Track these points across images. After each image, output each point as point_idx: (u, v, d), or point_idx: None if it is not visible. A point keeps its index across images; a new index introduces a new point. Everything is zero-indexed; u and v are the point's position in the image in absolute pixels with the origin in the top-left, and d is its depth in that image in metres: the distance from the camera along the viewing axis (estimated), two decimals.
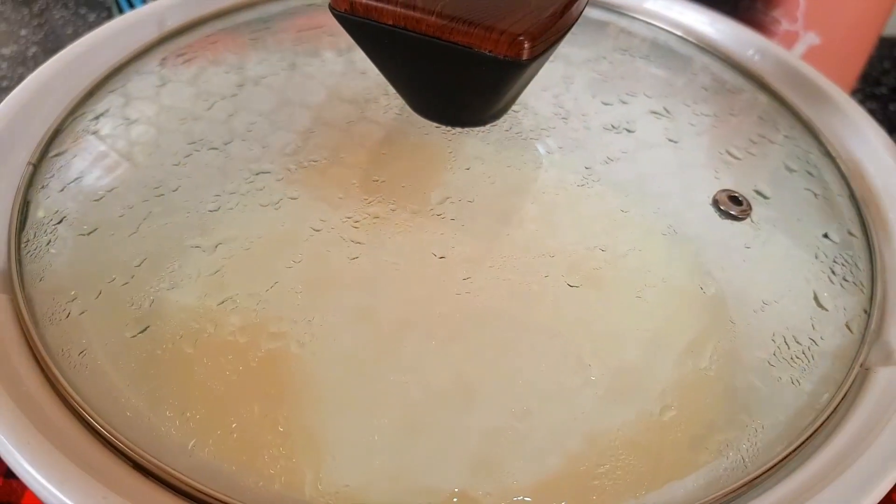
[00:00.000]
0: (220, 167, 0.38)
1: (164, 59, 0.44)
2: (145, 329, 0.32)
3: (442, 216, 0.35)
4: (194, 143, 0.39)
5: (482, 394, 0.30)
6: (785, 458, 0.29)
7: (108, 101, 0.41)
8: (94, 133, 0.40)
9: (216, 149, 0.39)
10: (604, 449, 0.29)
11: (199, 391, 0.30)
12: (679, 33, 0.49)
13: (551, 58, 0.35)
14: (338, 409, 0.30)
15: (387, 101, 0.41)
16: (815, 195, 0.41)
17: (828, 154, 0.43)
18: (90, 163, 0.39)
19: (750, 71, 0.48)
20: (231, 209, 0.36)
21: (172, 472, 0.27)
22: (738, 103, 0.46)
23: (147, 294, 0.33)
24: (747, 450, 0.30)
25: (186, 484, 0.27)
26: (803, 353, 0.33)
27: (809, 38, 0.63)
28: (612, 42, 0.50)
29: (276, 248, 0.34)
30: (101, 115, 0.40)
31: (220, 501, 0.27)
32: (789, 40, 0.62)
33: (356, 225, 0.34)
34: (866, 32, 0.62)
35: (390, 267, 0.33)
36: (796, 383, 0.32)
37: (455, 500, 0.27)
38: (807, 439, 0.30)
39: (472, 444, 0.29)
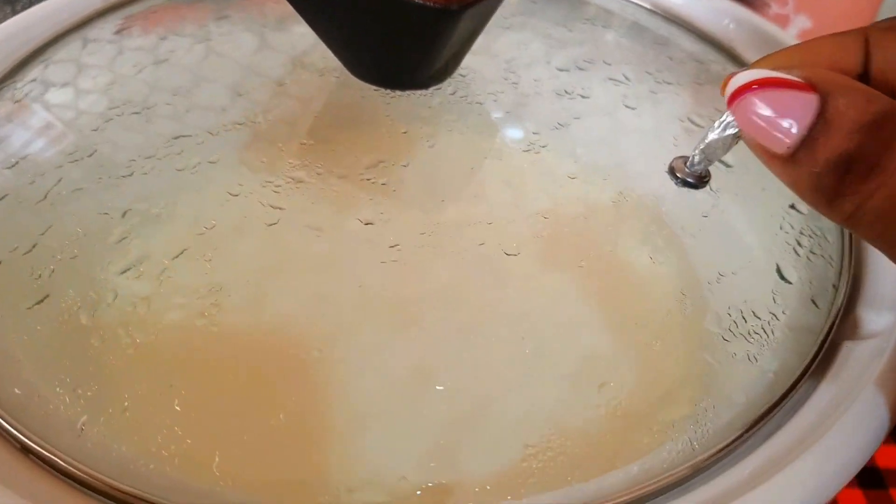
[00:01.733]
0: (140, 131, 0.35)
1: (90, 27, 0.41)
2: (43, 299, 0.29)
3: (371, 180, 0.32)
4: (116, 107, 0.37)
5: (401, 372, 0.28)
6: (737, 440, 0.26)
7: (33, 72, 0.38)
8: (16, 101, 0.37)
9: (137, 113, 0.36)
10: (534, 430, 0.26)
11: (93, 366, 0.27)
12: (648, 6, 0.46)
13: (506, 24, 0.32)
14: (244, 389, 0.27)
15: (323, 62, 0.38)
16: None
17: None
18: (6, 130, 0.36)
19: (722, 42, 0.45)
20: (145, 174, 0.33)
21: (58, 454, 0.24)
22: (705, 73, 0.43)
23: (48, 263, 0.30)
24: (695, 432, 0.27)
25: (74, 467, 0.24)
26: (762, 329, 0.30)
27: (800, 22, 0.61)
28: (575, 12, 0.48)
29: (187, 214, 0.31)
30: (25, 83, 0.38)
31: (109, 486, 0.24)
32: (780, 23, 0.60)
33: (277, 189, 0.32)
34: (858, 17, 0.60)
35: (310, 234, 0.30)
36: (753, 360, 0.29)
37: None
38: (762, 420, 0.27)
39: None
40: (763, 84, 0.19)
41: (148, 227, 0.31)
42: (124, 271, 0.30)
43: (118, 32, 0.41)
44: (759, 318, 0.31)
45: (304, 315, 0.28)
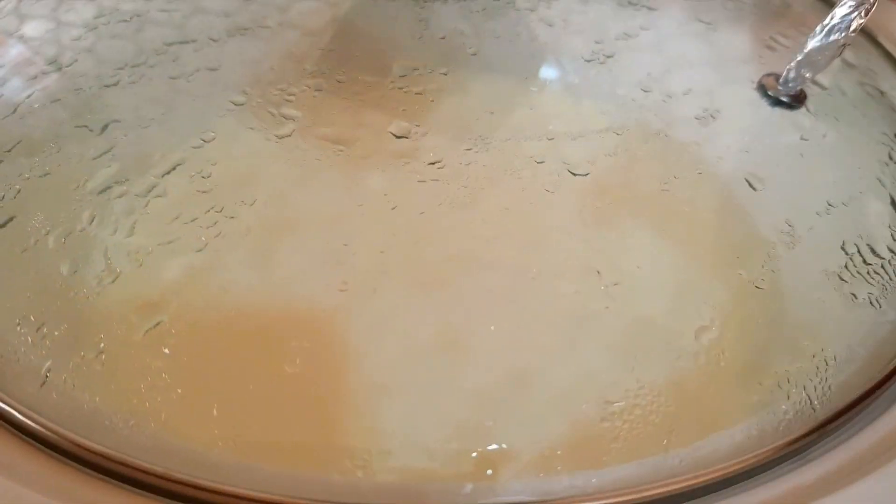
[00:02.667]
0: (129, 38, 0.30)
1: None
2: (6, 222, 0.24)
3: (405, 89, 0.27)
4: (102, 16, 0.31)
5: (455, 310, 0.22)
6: (863, 398, 0.21)
7: None
8: None
9: (126, 21, 0.30)
10: (623, 386, 0.21)
11: (61, 301, 0.22)
12: None
13: None
14: (247, 333, 0.22)
15: None
16: (881, 92, 0.32)
17: (888, 56, 0.34)
18: None
19: None
20: (133, 83, 0.27)
21: (17, 406, 0.19)
22: None
23: (13, 182, 0.25)
24: (815, 388, 0.21)
25: (36, 422, 0.18)
26: (883, 268, 0.25)
27: None
28: None
29: (180, 125, 0.25)
30: None
31: (78, 446, 0.18)
32: None
33: (290, 97, 0.26)
34: None
35: (330, 148, 0.25)
36: (876, 304, 0.23)
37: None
38: (892, 376, 0.21)
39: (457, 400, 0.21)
40: None
41: (134, 140, 0.25)
42: (104, 189, 0.24)
43: None
44: (879, 257, 0.25)
45: (322, 245, 0.23)
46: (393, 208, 0.24)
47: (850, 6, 0.27)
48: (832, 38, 0.27)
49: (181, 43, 0.29)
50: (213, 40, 0.29)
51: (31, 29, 0.31)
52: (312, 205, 0.23)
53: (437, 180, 0.24)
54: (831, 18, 0.27)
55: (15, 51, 0.30)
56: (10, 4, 0.32)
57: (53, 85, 0.28)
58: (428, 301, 0.22)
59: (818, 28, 0.28)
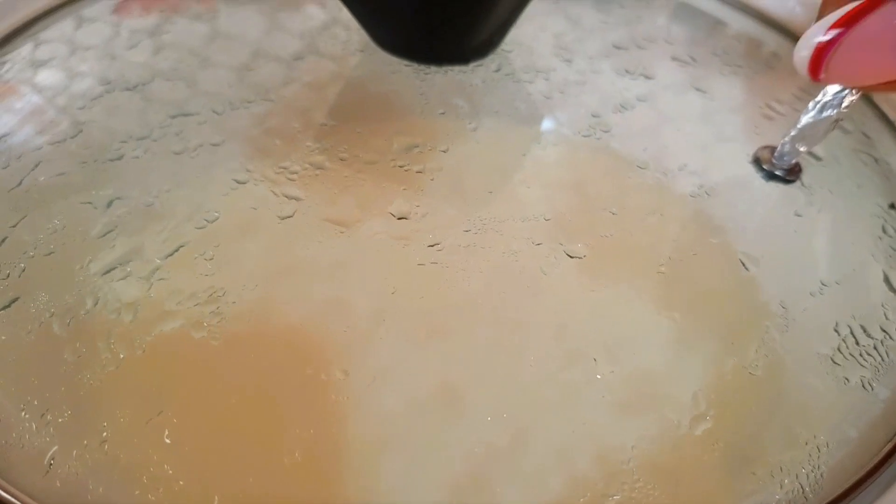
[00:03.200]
0: (134, 110, 0.30)
1: (84, 5, 0.36)
2: (10, 303, 0.24)
3: (405, 167, 0.27)
4: (108, 84, 0.32)
5: (444, 389, 0.22)
6: (855, 486, 0.21)
7: (22, 49, 0.33)
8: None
9: (131, 90, 0.31)
10: (615, 472, 0.21)
11: (66, 387, 0.22)
12: None
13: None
14: (248, 416, 0.22)
15: (346, 35, 0.33)
16: (875, 159, 0.32)
17: (883, 118, 0.35)
18: None
19: (787, 25, 0.40)
20: (136, 158, 0.28)
21: (20, 495, 0.20)
22: (775, 58, 0.38)
23: (19, 260, 0.25)
24: (807, 476, 0.22)
25: None
26: (875, 349, 0.25)
27: None
28: None
29: (185, 204, 0.26)
30: (10, 60, 0.33)
31: None
32: None
33: (292, 177, 0.26)
34: None
35: (332, 230, 0.25)
36: (868, 387, 0.24)
37: None
38: (886, 461, 0.22)
39: (452, 460, 0.21)
40: (847, 21, 0.16)
41: (138, 219, 0.26)
42: (108, 271, 0.24)
43: (115, 12, 0.36)
44: (870, 337, 0.26)
45: (322, 327, 0.23)
46: (392, 293, 0.24)
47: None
48: (825, 113, 0.28)
49: (184, 115, 0.29)
50: (216, 113, 0.29)
51: (39, 94, 0.32)
52: (313, 292, 0.24)
53: (435, 263, 0.24)
54: (823, 95, 0.28)
55: (21, 120, 0.31)
56: (20, 68, 0.33)
57: (58, 158, 0.29)
58: (426, 387, 0.22)
59: (811, 104, 0.28)
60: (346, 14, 0.31)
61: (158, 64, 0.33)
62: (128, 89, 0.31)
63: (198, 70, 0.31)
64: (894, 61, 0.17)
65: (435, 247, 0.25)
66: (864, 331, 0.25)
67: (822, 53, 0.18)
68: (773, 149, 0.30)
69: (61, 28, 0.35)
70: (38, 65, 0.33)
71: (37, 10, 0.36)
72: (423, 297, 0.24)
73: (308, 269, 0.25)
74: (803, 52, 0.18)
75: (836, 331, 0.25)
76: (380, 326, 0.23)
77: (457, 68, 0.31)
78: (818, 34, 0.18)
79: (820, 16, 0.19)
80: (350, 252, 0.25)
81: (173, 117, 0.29)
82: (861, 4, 0.17)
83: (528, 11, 0.31)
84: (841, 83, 0.23)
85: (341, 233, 0.25)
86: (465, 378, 0.23)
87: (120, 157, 0.28)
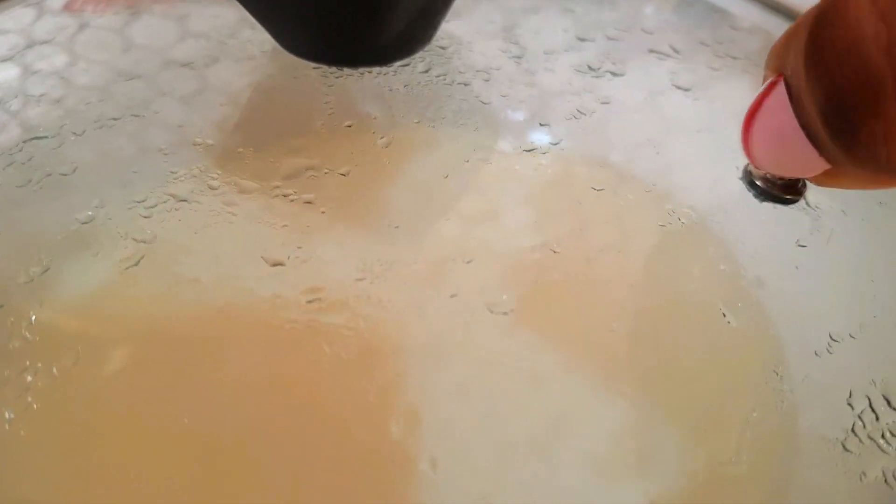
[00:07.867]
0: None
1: None
2: None
3: (291, 196, 0.21)
4: None
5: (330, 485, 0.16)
6: None
7: None
8: None
9: None
10: None
11: None
12: None
13: None
14: None
15: (251, 34, 0.27)
16: None
17: None
18: None
19: (791, 9, 0.33)
20: None
21: None
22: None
23: None
24: None
25: None
26: None
27: None
28: None
29: (21, 249, 0.20)
30: None
31: None
32: None
33: (146, 213, 0.21)
34: None
35: (184, 284, 0.19)
36: (893, 481, 0.18)
37: None
38: None
39: None
40: (753, 107, 0.14)
41: None
42: None
43: None
44: (895, 410, 0.19)
45: (175, 390, 0.17)
46: (247, 372, 0.18)
47: None
48: None
49: (37, 139, 0.24)
50: (76, 134, 0.24)
51: None
52: (161, 381, 0.18)
53: (311, 326, 0.19)
54: None
55: None
56: None
57: None
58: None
59: None
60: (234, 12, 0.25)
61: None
62: None
63: (57, 86, 0.25)
64: (805, 151, 0.13)
65: (314, 303, 0.19)
66: (889, 403, 0.19)
67: (744, 140, 0.14)
68: None
69: None
70: None
71: None
72: (301, 361, 0.18)
73: (144, 337, 0.19)
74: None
75: (849, 404, 0.19)
76: (239, 392, 0.17)
77: (375, 70, 0.25)
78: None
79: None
80: (199, 319, 0.19)
81: (25, 141, 0.24)
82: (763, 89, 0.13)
83: None
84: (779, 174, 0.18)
85: (195, 283, 0.19)
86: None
87: None
